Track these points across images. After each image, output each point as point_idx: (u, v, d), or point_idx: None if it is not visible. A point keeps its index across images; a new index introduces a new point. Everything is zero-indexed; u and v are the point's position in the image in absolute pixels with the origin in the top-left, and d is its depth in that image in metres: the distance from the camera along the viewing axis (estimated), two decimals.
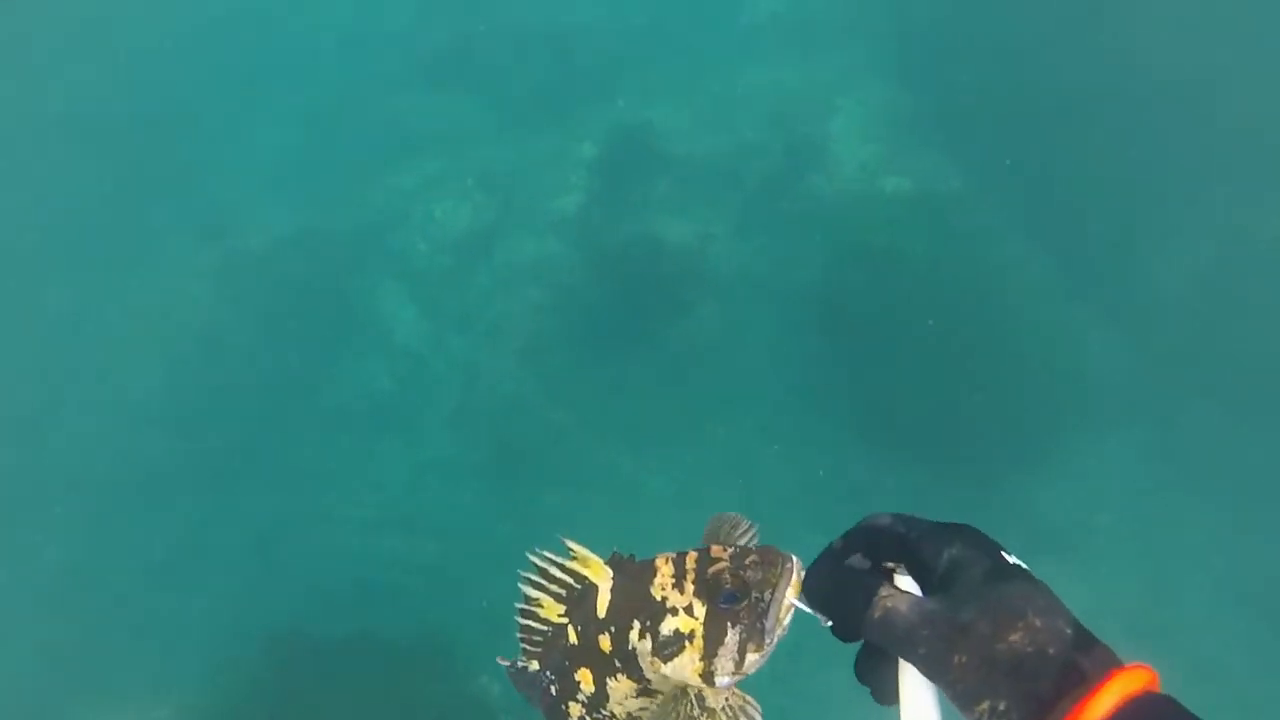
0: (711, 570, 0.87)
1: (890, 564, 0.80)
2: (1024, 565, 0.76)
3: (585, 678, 0.97)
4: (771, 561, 0.85)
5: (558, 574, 0.96)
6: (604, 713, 0.99)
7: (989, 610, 0.70)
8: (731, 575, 0.85)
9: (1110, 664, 0.67)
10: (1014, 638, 0.68)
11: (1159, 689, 0.66)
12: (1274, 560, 6.09)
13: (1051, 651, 0.67)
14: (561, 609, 0.97)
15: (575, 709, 1.00)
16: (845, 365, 7.14)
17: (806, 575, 0.84)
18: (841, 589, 0.80)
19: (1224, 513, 6.21)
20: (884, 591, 0.76)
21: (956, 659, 0.70)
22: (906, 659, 0.74)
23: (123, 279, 7.82)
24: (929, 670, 0.72)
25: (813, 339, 7.26)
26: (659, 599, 0.89)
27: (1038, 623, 0.69)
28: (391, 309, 7.11)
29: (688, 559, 0.90)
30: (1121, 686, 0.65)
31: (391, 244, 7.32)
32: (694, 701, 0.93)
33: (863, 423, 7.03)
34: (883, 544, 0.80)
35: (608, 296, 7.08)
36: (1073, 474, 6.65)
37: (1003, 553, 0.76)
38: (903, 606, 0.74)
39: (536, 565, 0.97)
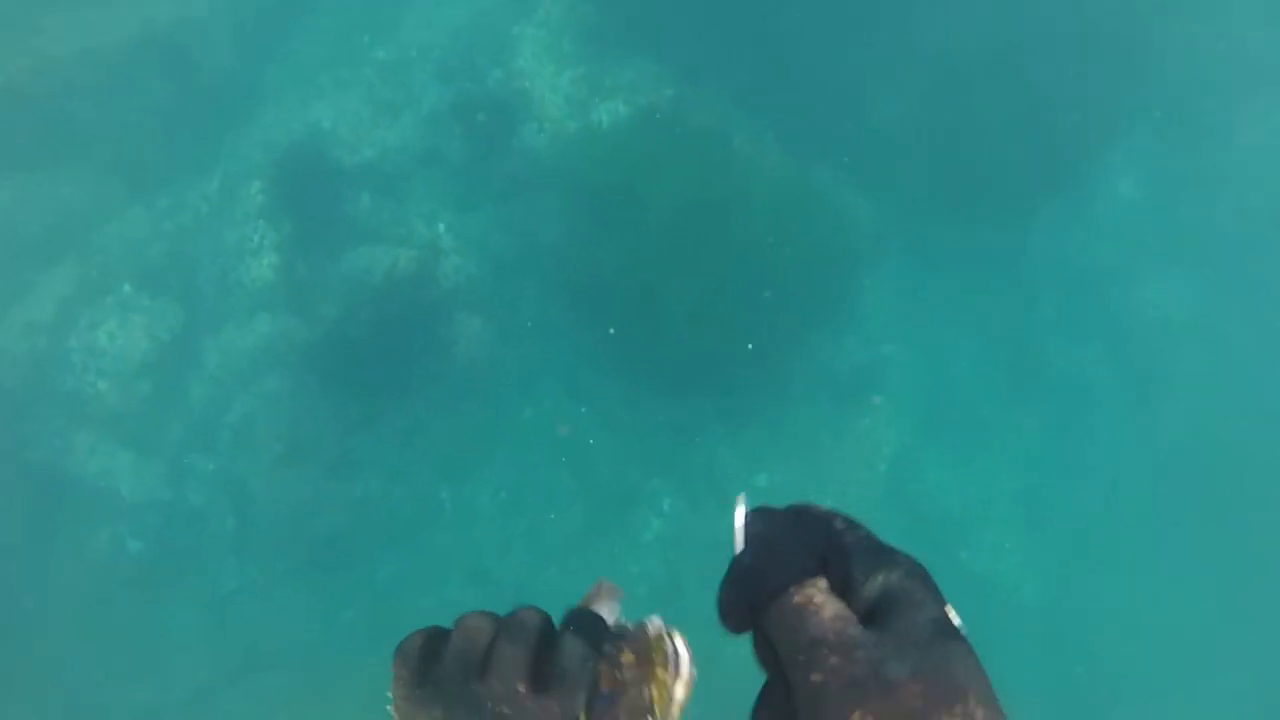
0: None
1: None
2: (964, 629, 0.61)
3: None
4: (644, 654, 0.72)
5: None
6: None
7: (927, 675, 0.55)
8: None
9: None
10: None
11: None
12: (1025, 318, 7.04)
13: None
14: None
15: None
16: (620, 312, 6.98)
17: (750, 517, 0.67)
18: (773, 554, 0.63)
19: (975, 295, 7.00)
20: (818, 584, 0.61)
21: (856, 713, 0.54)
22: (792, 674, 0.58)
23: None
24: (810, 701, 0.56)
25: (580, 301, 6.97)
26: None
27: (979, 713, 0.54)
28: (101, 464, 5.79)
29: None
30: None
31: (61, 392, 5.81)
32: None
33: (657, 359, 7.03)
34: (812, 533, 0.65)
35: (354, 352, 6.21)
36: (857, 319, 7.11)
37: (947, 606, 0.61)
38: (827, 613, 0.59)
39: None
